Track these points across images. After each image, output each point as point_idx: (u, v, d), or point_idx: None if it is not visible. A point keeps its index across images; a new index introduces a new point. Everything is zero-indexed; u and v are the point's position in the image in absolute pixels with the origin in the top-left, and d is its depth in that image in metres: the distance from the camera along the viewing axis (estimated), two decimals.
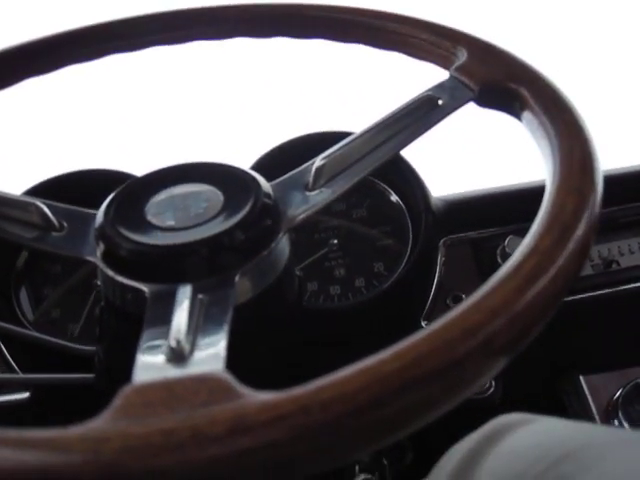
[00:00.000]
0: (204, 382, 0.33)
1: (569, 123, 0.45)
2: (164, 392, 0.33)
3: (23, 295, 0.76)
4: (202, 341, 0.38)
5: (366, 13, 0.61)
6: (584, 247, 0.38)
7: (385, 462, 0.68)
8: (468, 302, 0.34)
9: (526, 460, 0.47)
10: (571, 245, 0.37)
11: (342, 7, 0.62)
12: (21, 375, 0.75)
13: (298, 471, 0.31)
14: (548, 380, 0.83)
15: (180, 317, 0.39)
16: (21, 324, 0.72)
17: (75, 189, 0.62)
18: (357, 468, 0.65)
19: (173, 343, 0.36)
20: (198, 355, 0.37)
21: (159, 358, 0.36)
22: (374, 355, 0.32)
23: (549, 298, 0.35)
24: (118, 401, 0.32)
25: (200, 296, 0.42)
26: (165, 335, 0.38)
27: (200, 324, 0.40)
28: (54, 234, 0.50)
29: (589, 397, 0.79)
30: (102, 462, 0.29)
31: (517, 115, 0.50)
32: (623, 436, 0.51)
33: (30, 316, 0.75)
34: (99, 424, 0.31)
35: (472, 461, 0.50)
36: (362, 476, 0.65)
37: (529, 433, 0.51)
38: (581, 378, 0.80)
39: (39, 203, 0.50)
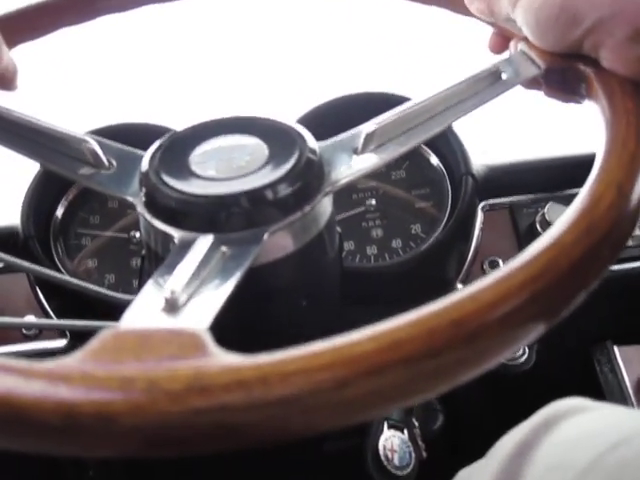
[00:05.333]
0: (179, 336, 0.32)
1: (630, 112, 0.43)
2: (139, 340, 0.32)
3: (61, 244, 0.77)
4: (201, 295, 0.37)
5: None
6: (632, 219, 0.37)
7: (415, 422, 0.68)
8: (509, 266, 0.34)
9: (581, 447, 0.46)
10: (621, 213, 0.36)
11: None
12: (57, 321, 0.76)
13: (251, 439, 0.31)
14: (582, 349, 0.82)
15: (185, 267, 0.39)
16: (58, 272, 0.73)
17: (121, 141, 0.63)
18: (386, 424, 0.65)
19: (167, 294, 0.36)
20: (190, 309, 0.36)
21: (153, 306, 0.36)
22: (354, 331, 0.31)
23: (594, 264, 0.35)
24: (94, 342, 0.32)
25: (223, 248, 0.42)
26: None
27: (209, 277, 0.39)
28: (102, 172, 0.50)
29: (622, 368, 0.78)
30: (59, 398, 0.30)
31: (580, 96, 0.49)
32: None
33: (67, 265, 0.76)
34: (68, 362, 0.31)
35: (525, 450, 0.49)
36: (391, 432, 0.65)
37: (583, 420, 0.50)
38: (615, 348, 0.79)
39: (91, 140, 0.50)
